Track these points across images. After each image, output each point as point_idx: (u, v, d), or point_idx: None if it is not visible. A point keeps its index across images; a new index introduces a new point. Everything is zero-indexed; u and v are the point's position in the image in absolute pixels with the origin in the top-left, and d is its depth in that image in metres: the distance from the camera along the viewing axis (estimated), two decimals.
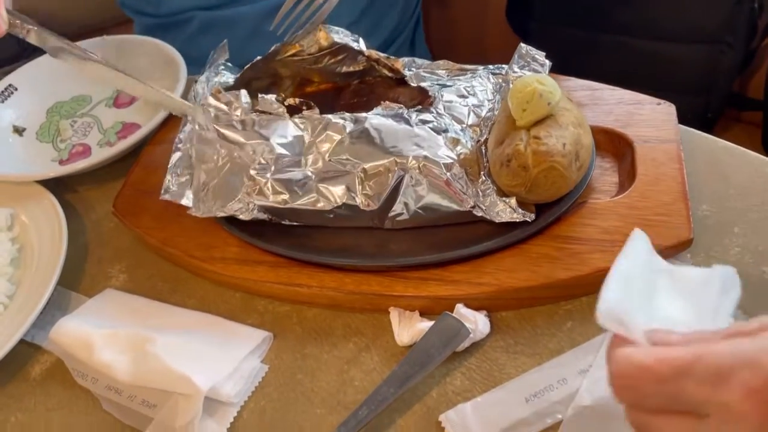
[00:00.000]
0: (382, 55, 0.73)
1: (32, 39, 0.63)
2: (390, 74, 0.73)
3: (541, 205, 0.59)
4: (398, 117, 0.62)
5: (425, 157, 0.58)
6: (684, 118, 0.66)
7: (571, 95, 0.68)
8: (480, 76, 0.70)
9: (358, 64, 0.75)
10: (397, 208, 0.60)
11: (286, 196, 0.61)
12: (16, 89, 0.88)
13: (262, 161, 0.62)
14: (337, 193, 0.60)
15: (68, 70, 0.90)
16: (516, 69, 0.67)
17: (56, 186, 0.75)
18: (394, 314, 0.58)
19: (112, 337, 0.60)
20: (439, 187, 0.58)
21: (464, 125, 0.63)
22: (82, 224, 0.75)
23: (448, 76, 0.72)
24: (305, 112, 0.62)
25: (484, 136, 0.63)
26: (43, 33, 0.63)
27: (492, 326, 0.56)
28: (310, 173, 0.61)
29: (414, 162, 0.58)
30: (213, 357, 0.57)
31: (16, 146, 0.84)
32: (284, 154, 0.62)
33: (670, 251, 0.56)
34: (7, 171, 0.77)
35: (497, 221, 0.58)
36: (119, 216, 0.70)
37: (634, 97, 0.68)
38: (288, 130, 0.61)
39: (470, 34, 1.33)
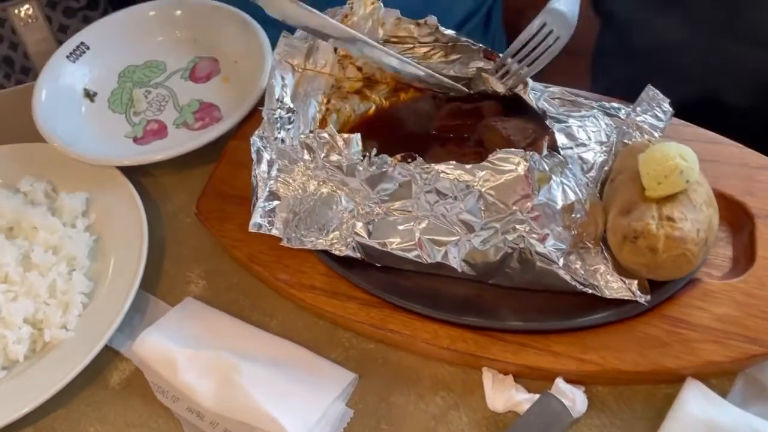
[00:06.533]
0: (502, 64, 0.67)
1: None
2: (498, 92, 0.68)
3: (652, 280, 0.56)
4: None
5: (536, 244, 0.55)
6: None
7: (690, 146, 0.63)
8: (594, 116, 0.66)
9: (467, 70, 0.70)
10: (498, 279, 0.58)
11: (385, 240, 0.58)
12: (88, 48, 0.84)
13: (366, 203, 0.59)
14: (437, 250, 0.58)
15: (143, 30, 0.86)
16: (639, 112, 0.63)
17: (131, 167, 0.73)
18: (487, 376, 0.56)
19: (196, 358, 0.59)
20: (548, 271, 0.56)
21: (585, 181, 0.59)
22: (158, 215, 0.72)
23: (561, 107, 0.67)
24: (411, 164, 0.58)
25: (598, 184, 0.60)
26: None
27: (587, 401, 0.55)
28: (412, 224, 0.58)
29: (524, 245, 0.55)
30: (300, 398, 0.56)
31: (89, 116, 0.80)
32: (389, 200, 0.59)
33: None
34: (83, 148, 0.74)
35: (608, 296, 0.55)
36: (203, 221, 0.67)
37: (759, 160, 0.64)
38: (394, 178, 0.58)
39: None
